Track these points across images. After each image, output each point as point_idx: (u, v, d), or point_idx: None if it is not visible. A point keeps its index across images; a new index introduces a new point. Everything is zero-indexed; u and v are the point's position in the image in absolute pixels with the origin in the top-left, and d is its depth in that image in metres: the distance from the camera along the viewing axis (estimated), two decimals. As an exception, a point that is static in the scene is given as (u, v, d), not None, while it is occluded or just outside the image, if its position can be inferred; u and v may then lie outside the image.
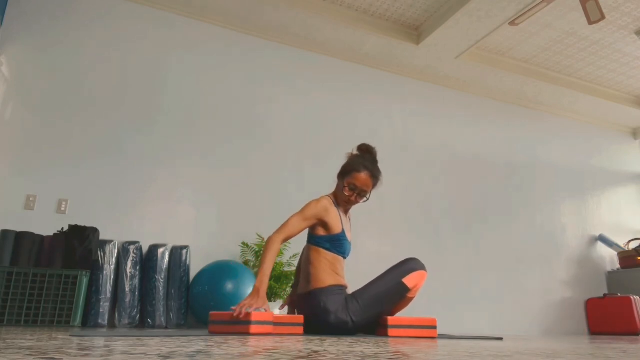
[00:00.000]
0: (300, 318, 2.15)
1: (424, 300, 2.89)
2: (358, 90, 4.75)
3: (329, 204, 2.31)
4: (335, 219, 2.31)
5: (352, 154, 2.44)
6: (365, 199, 2.37)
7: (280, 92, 4.37)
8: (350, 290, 2.30)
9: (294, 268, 3.53)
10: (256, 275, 3.42)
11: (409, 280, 2.23)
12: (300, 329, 2.12)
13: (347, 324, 2.14)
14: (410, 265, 2.28)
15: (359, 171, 2.33)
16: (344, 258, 2.37)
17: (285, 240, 2.20)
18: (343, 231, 2.33)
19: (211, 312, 2.06)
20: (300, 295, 2.32)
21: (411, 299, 2.30)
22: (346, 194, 2.33)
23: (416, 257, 2.38)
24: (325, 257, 2.27)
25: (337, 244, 2.30)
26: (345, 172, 2.37)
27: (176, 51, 4.05)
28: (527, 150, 5.49)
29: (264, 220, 3.79)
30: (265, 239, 3.64)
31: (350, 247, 2.41)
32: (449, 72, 5.00)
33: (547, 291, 5.03)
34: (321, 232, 2.30)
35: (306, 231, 2.34)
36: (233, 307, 1.93)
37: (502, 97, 5.47)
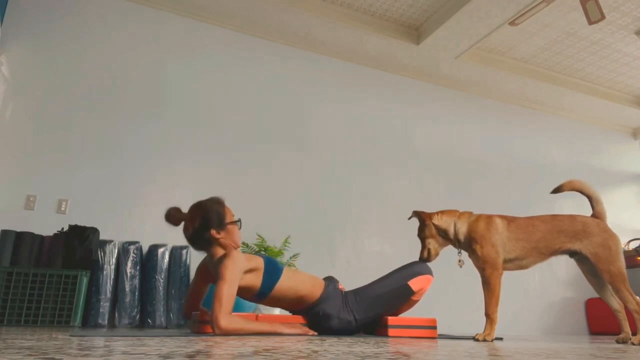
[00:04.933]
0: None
1: (424, 300, 2.88)
2: (358, 90, 4.74)
3: (242, 255, 2.12)
4: (252, 265, 2.11)
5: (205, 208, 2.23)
6: None
7: (279, 92, 4.37)
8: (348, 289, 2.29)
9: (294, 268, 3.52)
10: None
11: (414, 284, 2.22)
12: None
13: (350, 323, 2.13)
14: (417, 268, 2.27)
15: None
16: None
17: None
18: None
19: (200, 313, 2.09)
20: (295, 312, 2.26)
21: (416, 301, 2.30)
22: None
23: (417, 257, 2.37)
24: (301, 274, 2.22)
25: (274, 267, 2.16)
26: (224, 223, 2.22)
27: (176, 51, 4.04)
28: (527, 150, 5.48)
29: (264, 221, 3.80)
30: (265, 239, 3.66)
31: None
32: (449, 72, 4.99)
33: (547, 291, 5.03)
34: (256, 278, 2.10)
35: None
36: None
37: (502, 97, 5.47)
